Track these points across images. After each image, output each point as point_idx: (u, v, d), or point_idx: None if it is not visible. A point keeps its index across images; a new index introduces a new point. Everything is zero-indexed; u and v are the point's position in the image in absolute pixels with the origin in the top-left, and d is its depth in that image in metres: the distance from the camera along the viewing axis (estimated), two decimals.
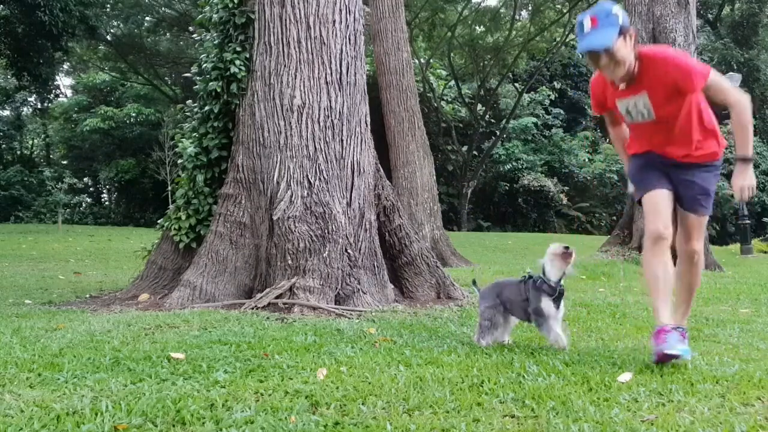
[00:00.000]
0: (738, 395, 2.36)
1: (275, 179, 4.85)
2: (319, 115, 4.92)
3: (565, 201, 28.41)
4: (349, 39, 5.12)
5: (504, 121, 27.55)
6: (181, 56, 26.70)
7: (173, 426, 2.00)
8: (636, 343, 3.44)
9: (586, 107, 32.50)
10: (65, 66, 30.87)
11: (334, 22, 5.03)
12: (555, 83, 30.76)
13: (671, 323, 2.85)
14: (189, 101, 5.95)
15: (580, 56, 3.20)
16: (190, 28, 7.11)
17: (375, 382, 2.49)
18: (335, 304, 4.64)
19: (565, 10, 24.03)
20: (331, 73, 4.99)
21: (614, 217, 27.34)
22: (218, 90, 5.35)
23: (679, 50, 3.11)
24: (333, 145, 4.94)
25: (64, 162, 31.02)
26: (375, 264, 5.04)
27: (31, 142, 33.35)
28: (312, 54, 4.96)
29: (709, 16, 31.82)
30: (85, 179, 30.61)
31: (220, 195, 5.23)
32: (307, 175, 4.81)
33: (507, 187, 28.19)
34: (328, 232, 4.71)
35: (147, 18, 27.16)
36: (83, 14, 19.95)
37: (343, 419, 2.06)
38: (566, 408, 2.18)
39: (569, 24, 24.28)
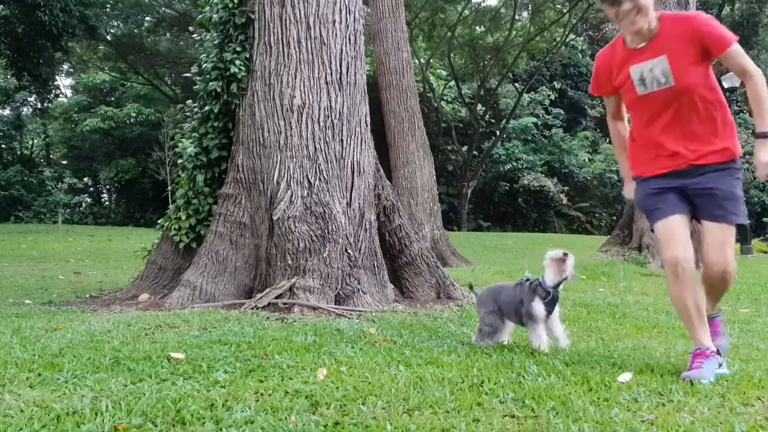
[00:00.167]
0: (738, 395, 2.36)
1: (275, 179, 4.85)
2: (319, 115, 4.92)
3: (565, 201, 28.44)
4: (349, 39, 5.12)
5: (504, 121, 27.56)
6: (181, 56, 26.71)
7: (173, 426, 2.00)
8: (636, 343, 3.44)
9: (586, 107, 32.53)
10: (65, 67, 30.89)
11: (334, 22, 5.03)
12: (555, 83, 30.79)
13: (712, 346, 2.68)
14: (189, 101, 5.95)
15: (598, 2, 2.87)
16: (190, 28, 7.11)
17: (375, 382, 2.49)
18: (335, 304, 4.64)
19: (565, 10, 24.04)
20: (331, 73, 5.00)
21: (614, 217, 27.36)
22: (218, 90, 5.35)
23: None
24: (333, 145, 4.94)
25: (64, 162, 31.04)
26: (375, 264, 5.04)
27: (31, 142, 33.36)
28: (312, 54, 4.96)
29: None
30: (85, 179, 30.62)
31: (220, 195, 5.23)
32: (307, 175, 4.81)
33: (507, 187, 28.20)
34: (328, 232, 4.71)
35: (147, 18, 27.18)
36: (83, 14, 19.97)
37: (343, 419, 2.06)
38: (566, 408, 2.18)
39: (569, 24, 24.31)
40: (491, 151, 27.72)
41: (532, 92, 29.73)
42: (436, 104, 25.34)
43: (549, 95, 29.82)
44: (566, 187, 28.92)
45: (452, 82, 27.42)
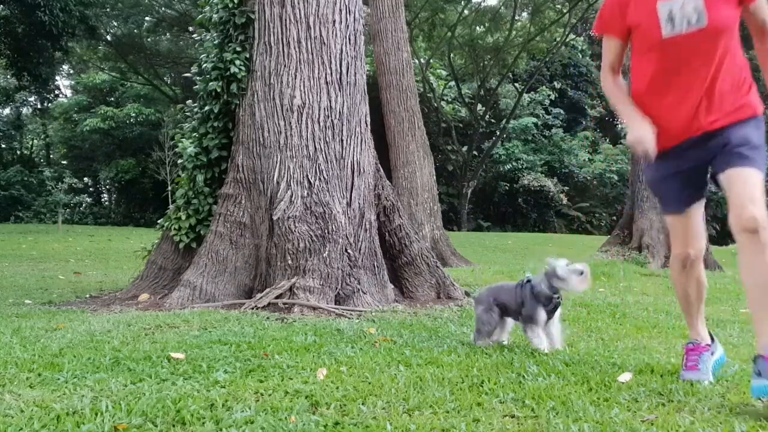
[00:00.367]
0: (738, 395, 2.36)
1: (275, 179, 4.85)
2: (319, 115, 4.92)
3: (565, 201, 28.45)
4: (349, 39, 5.12)
5: (504, 121, 27.57)
6: (181, 56, 26.71)
7: (173, 426, 2.00)
8: (636, 343, 3.44)
9: (586, 107, 32.55)
10: (65, 67, 30.89)
11: (334, 22, 5.04)
12: (555, 83, 30.80)
13: (707, 340, 2.67)
14: (189, 101, 5.95)
15: None
16: (190, 28, 7.10)
17: (375, 382, 2.49)
18: (335, 304, 4.64)
19: (565, 10, 24.03)
20: (331, 73, 5.00)
21: (614, 217, 27.38)
22: (218, 90, 5.36)
23: None
24: (333, 145, 4.94)
25: (64, 162, 31.04)
26: (375, 264, 5.04)
27: (31, 142, 33.37)
28: (312, 54, 4.96)
29: None
30: (85, 179, 30.63)
31: (220, 195, 5.23)
32: (307, 175, 4.81)
33: (507, 187, 28.21)
34: (328, 232, 4.71)
35: (147, 18, 27.16)
36: (83, 14, 19.96)
37: (343, 419, 2.06)
38: (566, 408, 2.18)
39: (569, 24, 24.30)
40: (491, 151, 27.72)
41: (532, 92, 29.74)
42: (436, 104, 25.34)
43: (549, 95, 29.83)
44: (566, 187, 28.93)
45: (452, 82, 27.42)
